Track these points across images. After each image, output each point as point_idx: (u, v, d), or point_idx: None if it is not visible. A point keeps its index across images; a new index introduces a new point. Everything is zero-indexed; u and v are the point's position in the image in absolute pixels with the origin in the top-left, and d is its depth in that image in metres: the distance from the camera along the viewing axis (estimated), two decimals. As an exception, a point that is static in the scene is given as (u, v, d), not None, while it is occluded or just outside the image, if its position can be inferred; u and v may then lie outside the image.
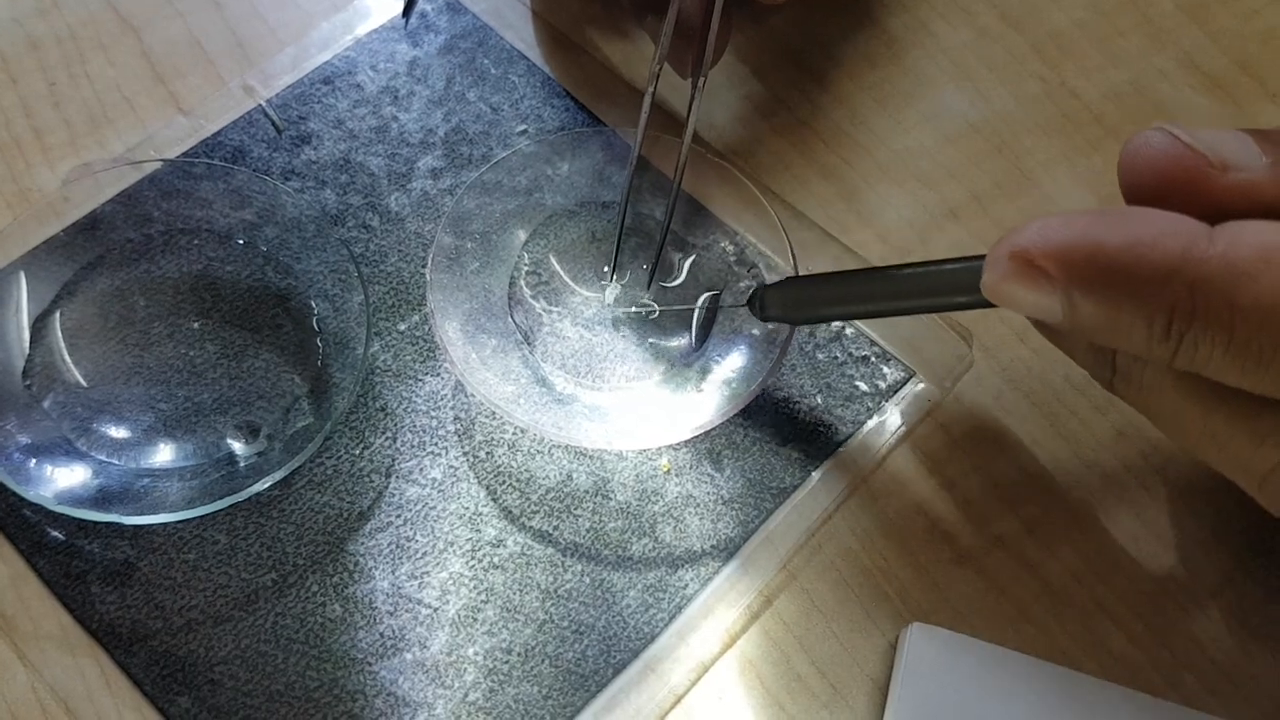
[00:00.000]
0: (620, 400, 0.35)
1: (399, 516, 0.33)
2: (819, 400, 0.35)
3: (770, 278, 0.36)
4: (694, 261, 0.37)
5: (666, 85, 0.35)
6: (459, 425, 0.35)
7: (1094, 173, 0.40)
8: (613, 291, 0.36)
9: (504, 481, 0.34)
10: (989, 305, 0.26)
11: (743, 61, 0.42)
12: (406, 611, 0.32)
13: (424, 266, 0.36)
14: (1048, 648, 0.32)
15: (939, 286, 0.28)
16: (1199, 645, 0.32)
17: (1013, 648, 0.31)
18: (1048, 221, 0.24)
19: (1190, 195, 0.24)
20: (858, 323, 0.36)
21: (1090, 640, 0.32)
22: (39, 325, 0.34)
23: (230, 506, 0.32)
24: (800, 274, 0.34)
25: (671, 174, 0.35)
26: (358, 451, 0.34)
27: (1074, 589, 0.33)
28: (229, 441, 0.33)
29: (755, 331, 0.34)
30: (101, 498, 0.31)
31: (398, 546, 0.33)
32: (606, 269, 0.36)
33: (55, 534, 0.32)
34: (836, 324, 0.36)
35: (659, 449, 0.34)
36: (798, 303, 0.32)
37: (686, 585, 0.32)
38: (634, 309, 0.36)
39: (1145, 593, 0.33)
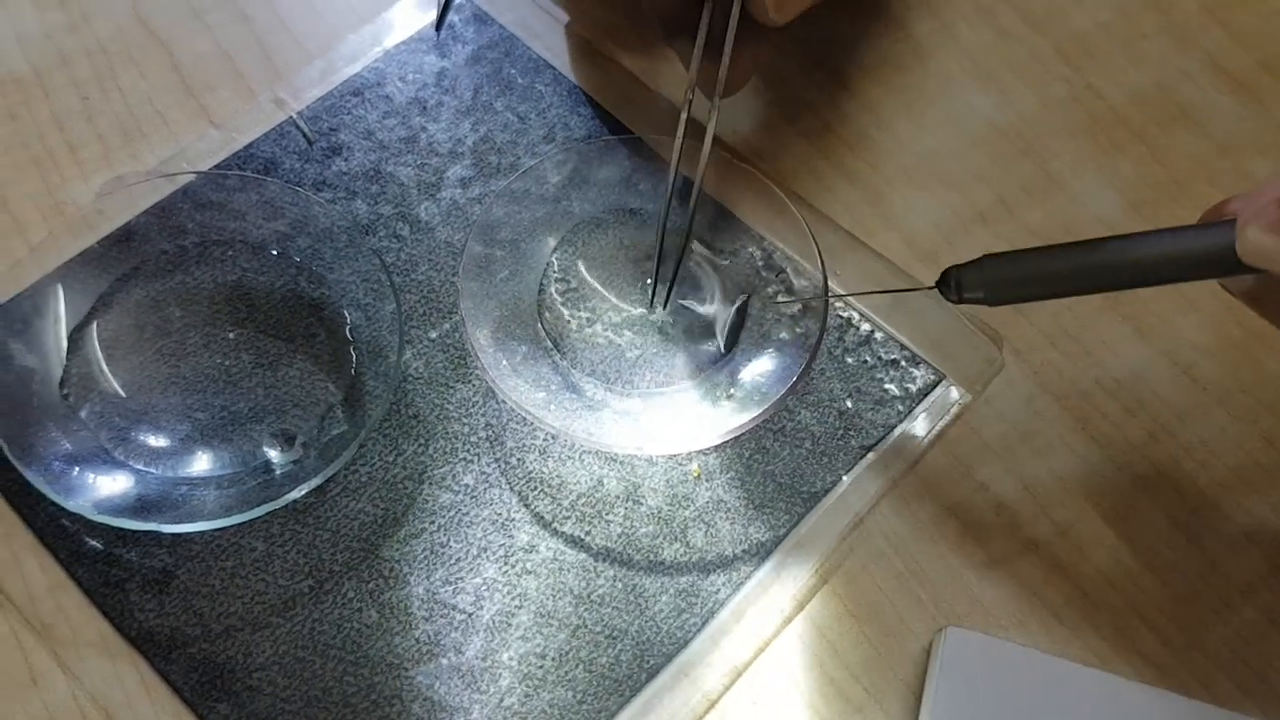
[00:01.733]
0: (650, 406, 0.35)
1: (432, 522, 0.33)
2: (849, 404, 0.35)
3: (798, 283, 0.36)
4: (722, 269, 0.37)
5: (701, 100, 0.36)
6: (490, 432, 0.35)
7: (1121, 175, 0.40)
8: (659, 312, 0.36)
9: (535, 487, 0.34)
10: (1231, 272, 0.26)
11: (767, 67, 0.42)
12: (442, 617, 0.32)
13: (454, 275, 0.37)
14: (1081, 650, 0.32)
15: (1179, 257, 0.26)
16: (1232, 647, 0.32)
17: (1046, 651, 0.31)
18: None
19: None
20: (888, 326, 0.36)
21: (1124, 643, 0.32)
22: (76, 336, 0.35)
23: (267, 514, 0.32)
24: (1001, 251, 0.30)
25: (705, 184, 0.35)
26: (391, 458, 0.34)
27: (1107, 592, 0.33)
28: (265, 450, 0.34)
29: (784, 335, 0.35)
30: (140, 506, 0.32)
31: (432, 552, 0.33)
32: (649, 282, 0.37)
33: (93, 543, 0.32)
34: (865, 327, 0.36)
35: (689, 454, 0.34)
36: (1008, 281, 0.29)
37: (719, 590, 0.33)
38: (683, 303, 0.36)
39: (1178, 595, 0.33)
